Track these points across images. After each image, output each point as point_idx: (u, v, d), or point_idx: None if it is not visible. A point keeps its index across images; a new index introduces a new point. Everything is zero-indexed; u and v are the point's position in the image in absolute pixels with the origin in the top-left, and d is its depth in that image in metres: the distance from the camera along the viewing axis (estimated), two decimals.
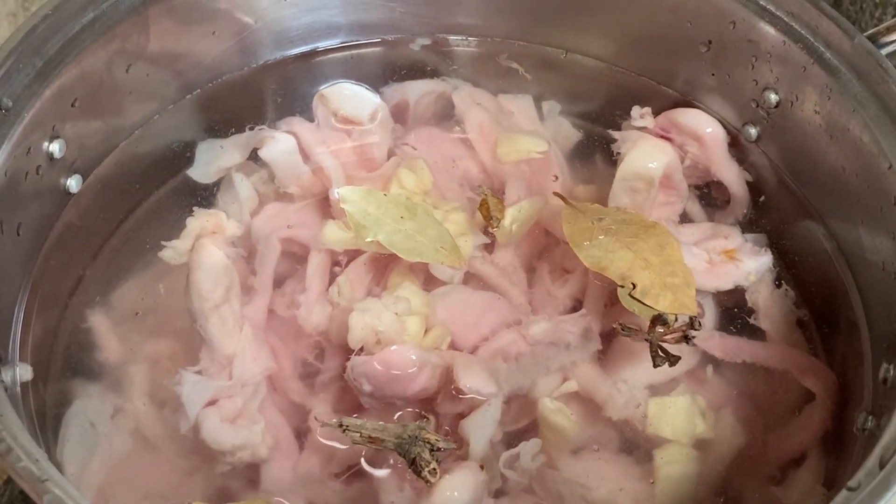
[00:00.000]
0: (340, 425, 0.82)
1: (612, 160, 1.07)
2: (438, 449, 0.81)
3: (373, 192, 0.97)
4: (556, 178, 1.05)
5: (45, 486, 0.67)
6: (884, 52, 0.93)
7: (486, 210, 0.98)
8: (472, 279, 0.99)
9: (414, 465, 0.80)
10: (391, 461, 0.86)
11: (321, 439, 0.89)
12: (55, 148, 0.94)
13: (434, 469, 0.79)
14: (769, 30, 0.98)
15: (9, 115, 0.88)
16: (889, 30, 0.94)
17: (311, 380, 0.92)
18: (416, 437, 0.81)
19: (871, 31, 0.94)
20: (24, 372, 0.87)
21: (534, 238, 1.02)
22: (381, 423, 0.83)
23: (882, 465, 0.70)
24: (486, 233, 1.00)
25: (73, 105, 0.95)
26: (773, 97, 1.02)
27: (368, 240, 0.94)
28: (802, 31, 0.96)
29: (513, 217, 1.00)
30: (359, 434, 0.82)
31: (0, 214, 0.87)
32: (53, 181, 0.96)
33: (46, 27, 0.91)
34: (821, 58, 0.95)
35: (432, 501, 0.81)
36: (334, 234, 0.98)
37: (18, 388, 0.86)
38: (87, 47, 0.95)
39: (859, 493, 0.69)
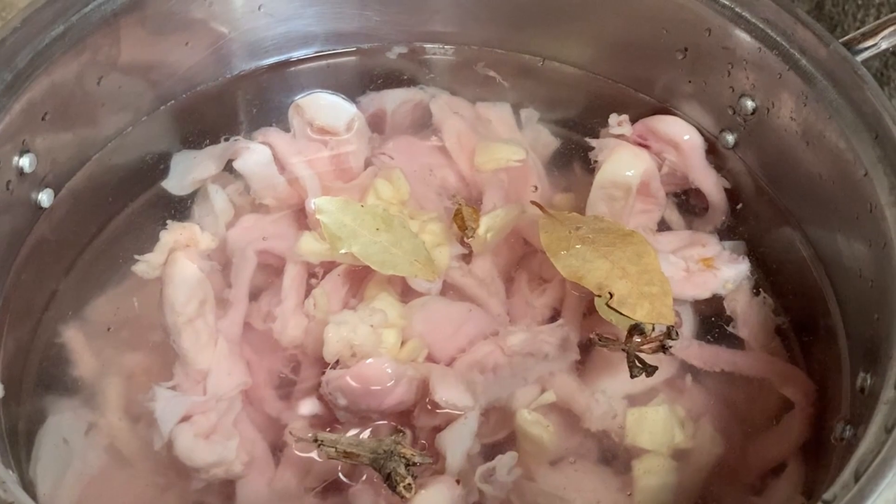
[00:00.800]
0: (315, 440, 0.81)
1: (591, 168, 1.06)
2: (414, 464, 0.80)
3: (349, 203, 0.96)
4: (536, 188, 1.05)
5: None
6: (860, 58, 0.93)
7: (461, 220, 0.98)
8: (449, 290, 0.98)
9: (389, 480, 0.79)
10: (367, 476, 0.85)
11: (297, 453, 0.88)
12: (25, 162, 0.93)
13: (409, 484, 0.79)
14: (745, 37, 0.98)
15: None
16: (865, 36, 0.94)
17: (286, 393, 0.91)
18: (392, 452, 0.80)
19: (846, 38, 0.93)
20: None
21: (511, 247, 1.01)
22: (355, 437, 0.82)
23: (857, 478, 0.69)
24: (462, 243, 0.99)
25: (43, 118, 0.94)
26: (750, 104, 1.01)
27: (343, 251, 0.93)
28: (778, 38, 0.96)
29: (488, 226, 0.99)
30: (334, 449, 0.81)
31: None
32: (24, 196, 0.95)
33: (15, 40, 0.90)
34: (796, 64, 0.95)
35: None
36: (310, 246, 0.97)
37: None
38: (58, 60, 0.94)
39: None
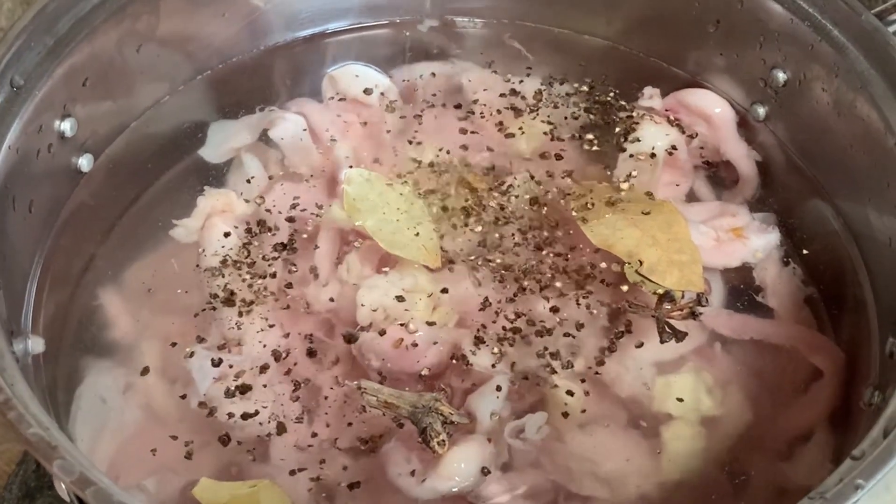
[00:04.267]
0: (358, 387, 0.82)
1: (619, 141, 1.07)
2: (451, 422, 0.82)
3: (378, 179, 0.98)
4: (561, 156, 1.05)
5: (55, 451, 0.67)
6: (891, 29, 0.93)
7: (467, 184, 1.00)
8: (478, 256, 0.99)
9: (424, 434, 0.80)
10: (397, 436, 0.86)
11: (329, 414, 0.89)
12: (66, 126, 0.95)
13: (443, 440, 0.80)
14: (777, 8, 0.98)
15: (20, 93, 0.89)
16: None
17: (319, 356, 0.93)
18: (430, 408, 0.81)
19: (878, 9, 0.94)
20: (35, 344, 0.89)
21: (541, 217, 1.02)
22: (397, 389, 0.84)
23: (886, 434, 0.70)
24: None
25: (84, 84, 0.96)
26: (781, 76, 1.02)
27: (357, 223, 0.94)
28: (810, 9, 0.96)
29: (516, 192, 1.01)
30: (375, 398, 0.82)
31: (12, 190, 0.88)
32: (65, 160, 0.97)
33: (58, 6, 0.92)
34: (828, 35, 0.95)
35: (439, 472, 0.82)
36: (341, 214, 0.98)
37: (30, 361, 0.87)
38: (98, 26, 0.96)
39: (863, 461, 0.69)
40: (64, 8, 0.93)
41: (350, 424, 0.88)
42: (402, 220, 0.96)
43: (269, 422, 0.88)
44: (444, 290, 0.94)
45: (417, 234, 0.96)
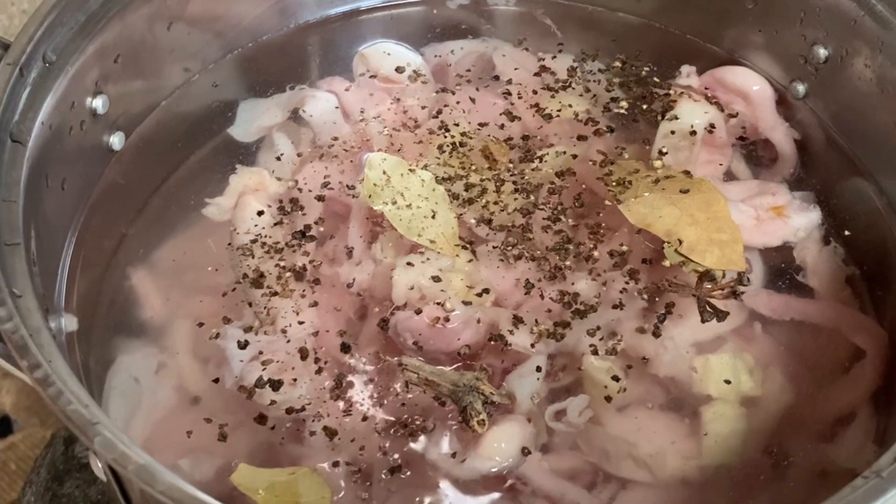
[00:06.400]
0: (400, 364, 0.82)
1: (655, 119, 1.05)
2: (492, 402, 0.81)
3: (400, 165, 0.96)
4: (598, 134, 1.04)
5: (95, 428, 0.67)
6: None
7: (490, 154, 0.99)
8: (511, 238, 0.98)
9: (464, 413, 0.79)
10: (434, 417, 0.85)
11: (364, 394, 0.88)
12: (98, 104, 0.94)
13: (483, 420, 0.79)
14: None
15: (52, 69, 0.88)
16: None
17: (354, 336, 0.92)
18: (471, 387, 0.80)
19: None
20: (69, 322, 0.88)
21: (577, 195, 1.01)
22: (438, 367, 0.83)
23: None
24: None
25: (115, 61, 0.96)
26: (822, 52, 1.00)
27: (376, 208, 0.93)
28: None
29: (550, 164, 1.00)
30: (416, 375, 0.82)
31: (45, 167, 0.87)
32: (96, 137, 0.96)
33: None
34: (871, 10, 0.94)
35: (479, 452, 0.81)
36: None
37: (64, 339, 0.86)
38: (130, 4, 0.96)
39: None
40: None
41: (385, 405, 0.87)
42: (423, 206, 0.95)
43: (303, 403, 0.87)
44: (481, 270, 0.93)
45: (436, 221, 0.94)
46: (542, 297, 0.92)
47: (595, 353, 0.89)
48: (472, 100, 1.09)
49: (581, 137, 1.04)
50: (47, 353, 0.71)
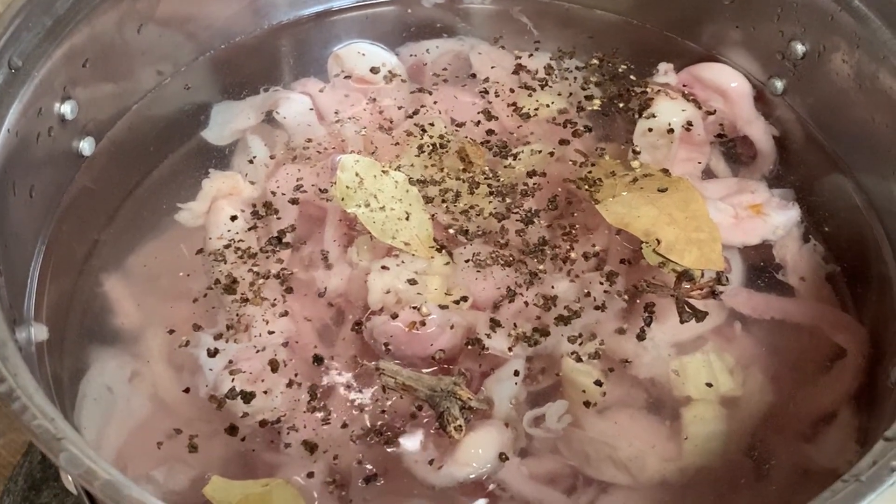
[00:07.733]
0: (377, 368, 0.81)
1: (633, 117, 1.04)
2: (469, 408, 0.80)
3: (373, 166, 0.95)
4: (574, 133, 1.03)
5: (61, 444, 0.65)
6: None
7: (466, 157, 0.98)
8: (490, 240, 0.97)
9: (441, 419, 0.79)
10: (411, 423, 0.84)
11: (340, 400, 0.87)
12: (67, 109, 0.93)
13: (460, 426, 0.78)
14: None
15: (19, 75, 0.87)
16: None
17: (330, 341, 0.90)
18: (449, 392, 0.80)
19: None
20: (39, 332, 0.87)
21: (553, 195, 1.00)
22: (416, 372, 0.82)
23: None
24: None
25: (84, 65, 0.94)
26: (800, 48, 0.99)
27: (349, 210, 0.92)
28: None
29: (525, 162, 0.99)
30: (393, 380, 0.81)
31: (12, 175, 0.86)
32: (66, 144, 0.95)
33: None
34: (849, 5, 0.93)
35: (456, 458, 0.80)
36: None
37: (34, 349, 0.85)
38: (98, 6, 0.94)
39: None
40: None
41: (361, 413, 0.86)
42: (397, 208, 0.93)
43: (278, 415, 0.85)
44: (457, 273, 0.92)
45: (410, 222, 0.93)
46: (521, 299, 0.91)
47: (578, 360, 0.88)
48: (450, 98, 1.07)
49: (563, 142, 1.03)
50: (12, 367, 0.70)
